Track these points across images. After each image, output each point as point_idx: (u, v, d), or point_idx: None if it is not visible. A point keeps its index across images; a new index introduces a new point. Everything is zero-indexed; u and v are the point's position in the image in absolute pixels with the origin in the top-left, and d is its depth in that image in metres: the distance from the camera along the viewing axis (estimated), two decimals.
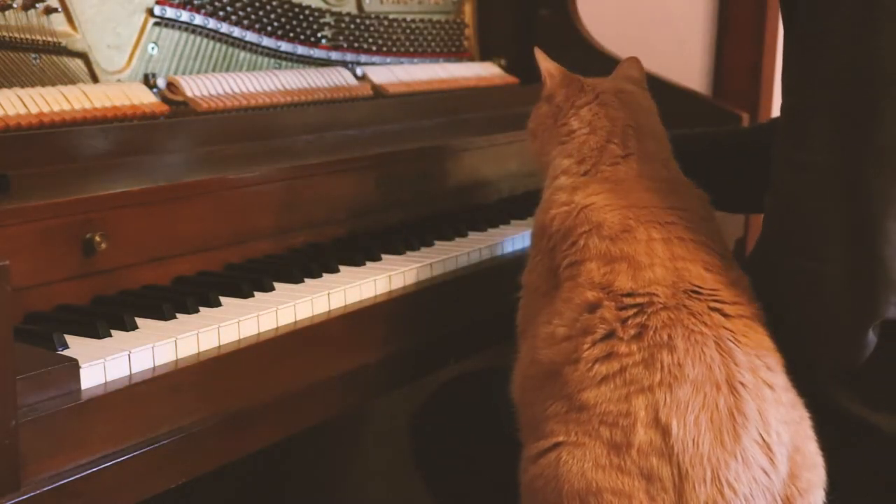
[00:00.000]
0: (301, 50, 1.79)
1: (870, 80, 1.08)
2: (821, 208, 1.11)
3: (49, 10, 1.41)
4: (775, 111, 2.50)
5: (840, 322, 1.13)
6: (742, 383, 1.05)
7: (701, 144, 1.46)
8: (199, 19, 1.62)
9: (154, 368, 1.06)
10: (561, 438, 1.06)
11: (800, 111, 1.14)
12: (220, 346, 1.13)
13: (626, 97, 1.30)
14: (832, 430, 1.12)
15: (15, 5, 1.37)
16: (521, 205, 1.69)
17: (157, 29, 1.56)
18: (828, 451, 1.11)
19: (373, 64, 1.91)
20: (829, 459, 1.10)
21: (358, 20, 1.89)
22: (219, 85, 1.58)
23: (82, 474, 0.96)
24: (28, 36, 1.39)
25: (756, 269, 1.19)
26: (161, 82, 1.53)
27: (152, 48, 1.56)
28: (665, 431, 1.02)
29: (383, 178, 1.58)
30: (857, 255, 1.10)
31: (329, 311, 1.26)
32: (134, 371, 1.05)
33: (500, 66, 2.14)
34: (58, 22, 1.42)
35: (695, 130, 1.52)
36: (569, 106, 1.29)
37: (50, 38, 1.42)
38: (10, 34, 1.37)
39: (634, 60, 1.39)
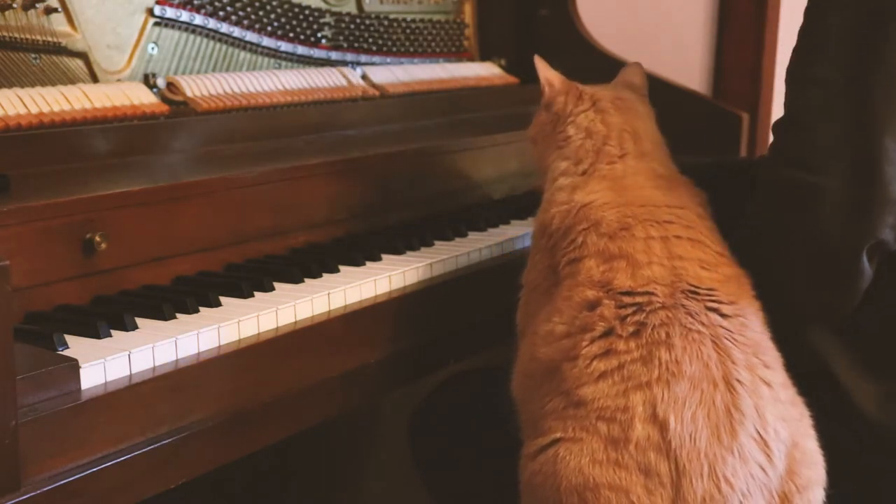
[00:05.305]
0: (301, 50, 1.79)
1: (882, 2, 1.13)
2: (826, 122, 1.15)
3: (49, 10, 1.41)
4: (775, 111, 2.51)
5: (837, 238, 1.15)
6: (739, 380, 1.05)
7: (707, 173, 1.46)
8: (199, 19, 1.62)
9: (154, 368, 1.06)
10: (559, 434, 1.07)
11: (815, 31, 1.18)
12: (220, 347, 1.13)
13: (623, 104, 1.32)
14: (817, 406, 1.13)
15: (15, 5, 1.37)
16: (520, 205, 1.69)
17: (157, 29, 1.56)
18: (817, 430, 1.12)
19: (373, 64, 1.91)
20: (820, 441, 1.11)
21: (358, 20, 1.89)
22: (219, 85, 1.58)
23: (82, 474, 0.96)
24: (28, 36, 1.39)
25: (757, 190, 1.21)
26: (161, 82, 1.53)
27: (152, 48, 1.56)
28: (663, 427, 1.03)
29: (383, 178, 1.58)
30: (857, 170, 1.13)
31: (329, 311, 1.26)
32: (134, 371, 1.05)
33: (500, 66, 2.15)
34: (58, 22, 1.43)
35: (703, 160, 1.52)
36: (566, 114, 1.32)
37: (50, 38, 1.42)
38: (10, 34, 1.37)
39: (637, 66, 1.41)
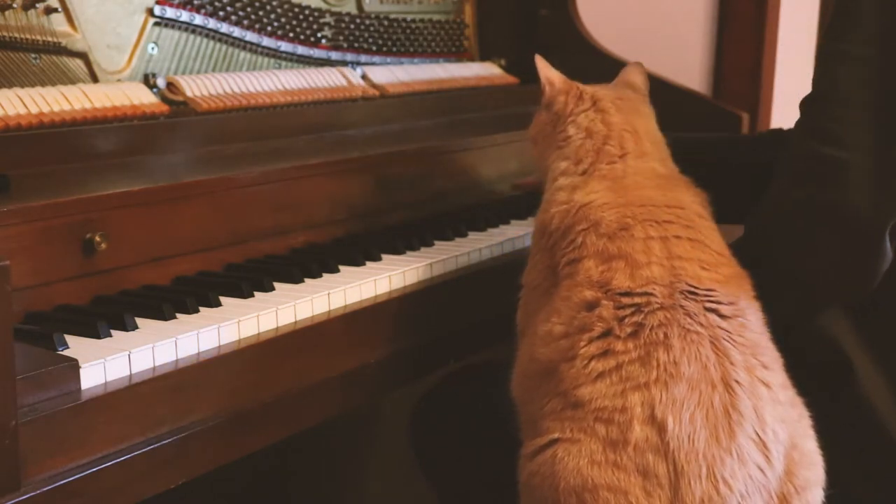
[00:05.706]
0: (301, 50, 1.79)
1: None
2: (855, 98, 1.15)
3: (49, 10, 1.41)
4: (775, 111, 2.51)
5: (861, 215, 1.15)
6: (737, 381, 1.05)
7: (698, 152, 1.46)
8: (199, 19, 1.62)
9: (154, 368, 1.06)
10: (556, 435, 1.07)
11: (848, 7, 1.18)
12: (219, 347, 1.13)
13: (624, 103, 1.32)
14: (829, 399, 1.13)
15: (15, 5, 1.37)
16: (520, 205, 1.69)
17: (157, 29, 1.56)
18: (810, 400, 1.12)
19: (373, 64, 1.91)
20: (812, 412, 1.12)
21: (358, 20, 1.90)
22: (219, 85, 1.58)
23: (82, 474, 0.97)
24: (28, 36, 1.39)
25: (783, 163, 1.21)
26: (161, 82, 1.53)
27: (152, 48, 1.56)
28: (661, 428, 1.02)
29: (383, 178, 1.58)
30: (884, 147, 1.13)
31: (329, 311, 1.26)
32: (134, 371, 1.05)
33: (500, 66, 2.15)
34: (58, 22, 1.43)
35: (694, 135, 1.53)
36: (567, 113, 1.32)
37: (50, 38, 1.42)
38: (10, 34, 1.37)
39: (638, 66, 1.41)
